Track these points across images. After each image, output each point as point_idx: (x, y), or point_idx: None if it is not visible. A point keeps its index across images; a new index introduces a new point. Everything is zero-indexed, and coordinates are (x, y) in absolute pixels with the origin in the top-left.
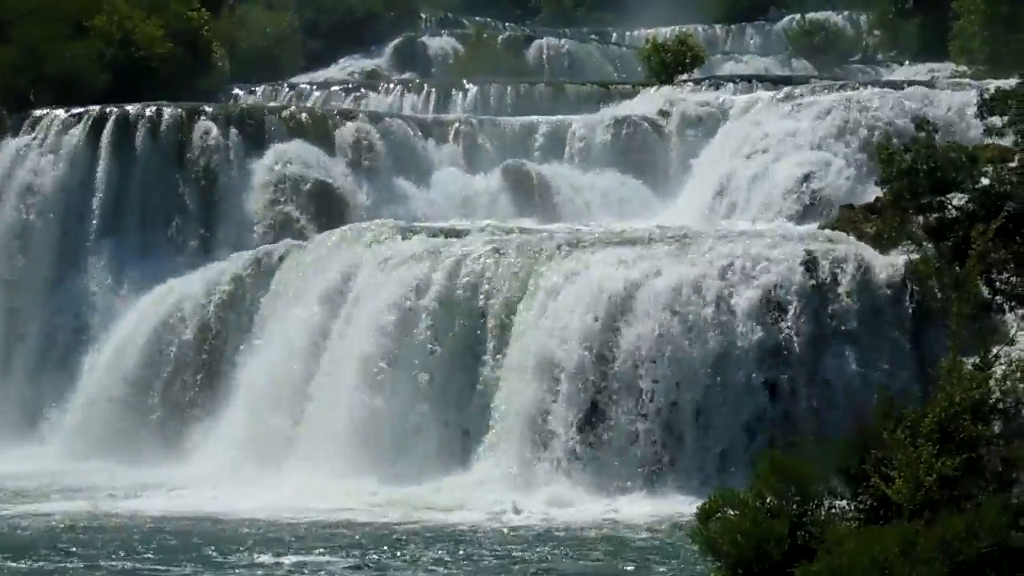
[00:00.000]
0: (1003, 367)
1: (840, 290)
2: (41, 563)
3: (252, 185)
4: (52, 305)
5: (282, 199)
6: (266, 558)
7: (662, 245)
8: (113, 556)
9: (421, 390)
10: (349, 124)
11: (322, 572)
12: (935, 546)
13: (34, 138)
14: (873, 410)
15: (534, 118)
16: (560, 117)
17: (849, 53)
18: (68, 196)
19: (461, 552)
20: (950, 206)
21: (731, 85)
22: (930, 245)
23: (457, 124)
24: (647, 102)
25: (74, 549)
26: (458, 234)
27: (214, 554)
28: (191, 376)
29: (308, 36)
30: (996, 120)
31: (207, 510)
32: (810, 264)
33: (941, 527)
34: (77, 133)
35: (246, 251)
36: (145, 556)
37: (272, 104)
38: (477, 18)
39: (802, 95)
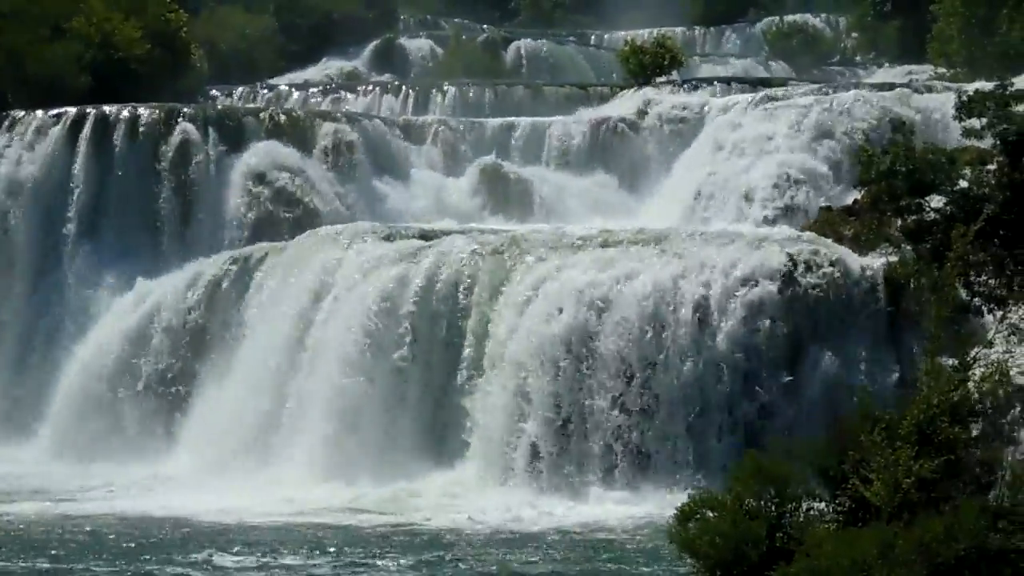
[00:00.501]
0: (981, 369)
1: (818, 292)
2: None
3: (230, 186)
4: (31, 305)
5: (260, 200)
6: (228, 559)
7: (640, 247)
8: (71, 556)
9: (399, 392)
10: (327, 125)
11: (293, 573)
12: (913, 548)
13: (12, 139)
14: (851, 412)
15: (512, 119)
16: (538, 119)
17: (828, 55)
18: (46, 197)
19: (437, 555)
20: (928, 208)
21: (709, 87)
22: (908, 247)
23: (435, 125)
24: (625, 104)
25: (28, 550)
26: (436, 236)
27: (176, 554)
28: (169, 377)
29: (286, 37)
30: (974, 122)
31: (178, 510)
32: (788, 266)
33: (919, 529)
34: (55, 134)
35: (225, 252)
36: (102, 556)
37: (250, 105)
38: (456, 20)
39: (781, 97)
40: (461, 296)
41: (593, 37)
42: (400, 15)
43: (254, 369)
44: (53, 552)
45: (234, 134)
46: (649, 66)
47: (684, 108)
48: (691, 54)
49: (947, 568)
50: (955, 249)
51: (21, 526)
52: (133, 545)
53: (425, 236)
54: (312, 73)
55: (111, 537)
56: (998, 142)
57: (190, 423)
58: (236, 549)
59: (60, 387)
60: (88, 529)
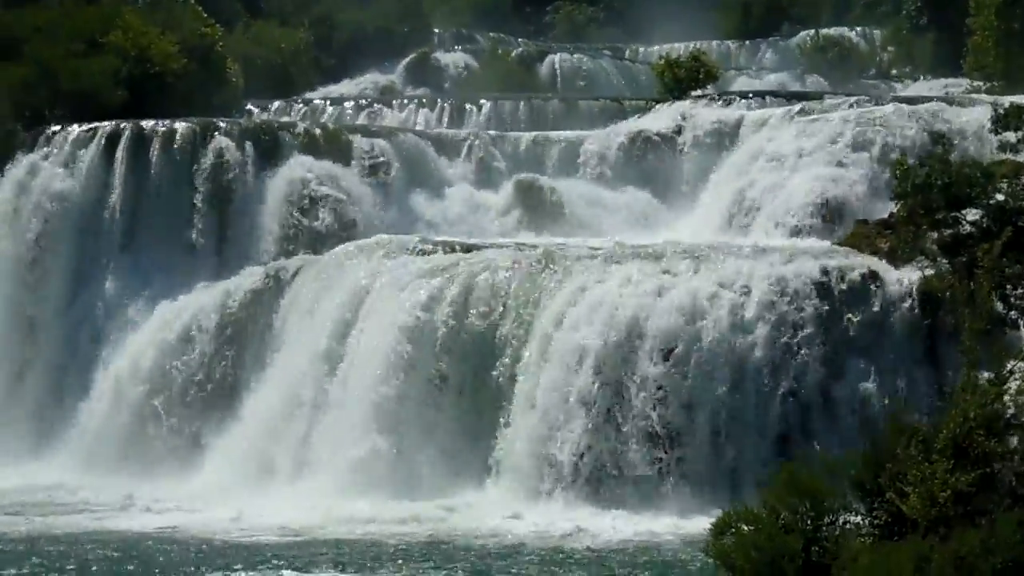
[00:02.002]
0: (1017, 382)
1: (854, 305)
2: None
3: (266, 200)
4: (67, 319)
5: (296, 214)
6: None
7: (676, 260)
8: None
9: (435, 405)
10: (363, 139)
11: None
12: (950, 562)
13: (49, 153)
14: (887, 425)
15: (547, 133)
16: (573, 133)
17: (863, 69)
18: (83, 211)
19: (476, 571)
20: (964, 222)
21: (745, 101)
22: (944, 261)
23: (471, 139)
24: (661, 118)
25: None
26: (472, 249)
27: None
28: (204, 390)
29: (322, 52)
30: (1010, 136)
31: (214, 525)
32: (824, 279)
33: (956, 543)
34: (92, 148)
35: (260, 266)
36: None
37: (286, 119)
38: (491, 34)
39: (816, 111)
40: (496, 310)
41: (628, 51)
42: (435, 29)
43: (289, 382)
44: (101, 570)
45: (270, 148)
46: (684, 80)
47: (720, 122)
48: (726, 68)
49: None
50: (984, 263)
51: (62, 542)
52: (182, 561)
53: (461, 249)
54: (347, 87)
55: (155, 553)
56: None
57: (226, 437)
58: (261, 566)
59: (95, 400)
60: (126, 545)
